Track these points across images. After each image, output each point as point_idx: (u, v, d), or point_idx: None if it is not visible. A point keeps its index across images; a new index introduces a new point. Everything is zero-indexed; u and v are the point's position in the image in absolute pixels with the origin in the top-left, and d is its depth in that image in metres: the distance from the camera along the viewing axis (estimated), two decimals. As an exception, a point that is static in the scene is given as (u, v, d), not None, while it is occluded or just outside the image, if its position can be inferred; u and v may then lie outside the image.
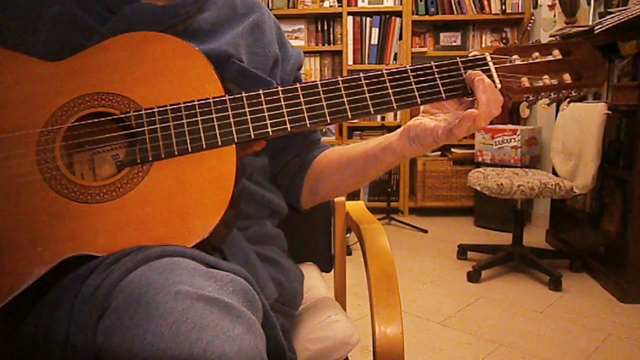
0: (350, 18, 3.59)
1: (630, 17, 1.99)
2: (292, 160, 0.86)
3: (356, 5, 3.59)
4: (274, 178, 0.86)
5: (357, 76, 0.68)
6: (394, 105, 0.67)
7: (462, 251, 2.71)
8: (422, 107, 0.73)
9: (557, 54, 0.70)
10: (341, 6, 3.57)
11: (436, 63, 0.69)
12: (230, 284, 0.51)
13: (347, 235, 1.38)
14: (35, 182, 0.61)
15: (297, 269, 0.86)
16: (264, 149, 0.80)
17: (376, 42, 3.61)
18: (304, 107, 0.67)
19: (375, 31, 3.60)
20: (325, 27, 3.66)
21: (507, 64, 0.70)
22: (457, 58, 0.70)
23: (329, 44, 3.66)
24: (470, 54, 0.71)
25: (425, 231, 3.20)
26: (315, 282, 1.00)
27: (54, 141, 0.63)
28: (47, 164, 0.62)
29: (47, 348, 0.54)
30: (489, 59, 0.70)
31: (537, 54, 0.70)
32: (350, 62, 3.62)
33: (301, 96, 0.67)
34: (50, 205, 0.61)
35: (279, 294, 0.74)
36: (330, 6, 3.61)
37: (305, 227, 1.05)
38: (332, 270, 1.10)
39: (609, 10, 2.31)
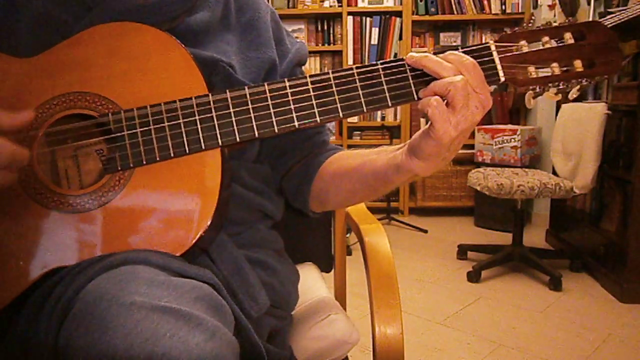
0: (350, 18, 3.59)
1: (630, 17, 1.99)
2: (295, 165, 0.81)
3: (356, 5, 3.59)
4: (277, 184, 0.82)
5: (349, 68, 0.63)
6: (389, 102, 0.63)
7: (462, 251, 2.71)
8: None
9: (568, 37, 0.64)
10: (341, 6, 3.57)
11: (433, 51, 0.63)
12: (192, 291, 0.50)
13: (347, 235, 1.38)
14: (12, 191, 0.58)
15: (292, 270, 0.84)
16: (261, 155, 0.77)
17: (376, 42, 3.61)
18: (292, 106, 0.62)
19: (375, 31, 3.60)
20: (325, 27, 3.66)
21: (513, 53, 0.63)
22: (459, 48, 0.63)
23: (329, 44, 3.66)
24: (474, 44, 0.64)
25: (425, 231, 3.20)
26: (315, 282, 1.00)
27: (30, 148, 0.59)
28: (25, 172, 0.58)
29: (26, 353, 0.54)
30: (493, 48, 0.63)
31: (546, 38, 0.64)
32: (350, 62, 3.61)
33: (290, 94, 0.62)
34: (31, 215, 0.58)
35: (270, 298, 0.72)
36: (330, 6, 3.61)
37: (305, 227, 1.05)
38: (332, 270, 1.10)
39: (609, 10, 2.32)
